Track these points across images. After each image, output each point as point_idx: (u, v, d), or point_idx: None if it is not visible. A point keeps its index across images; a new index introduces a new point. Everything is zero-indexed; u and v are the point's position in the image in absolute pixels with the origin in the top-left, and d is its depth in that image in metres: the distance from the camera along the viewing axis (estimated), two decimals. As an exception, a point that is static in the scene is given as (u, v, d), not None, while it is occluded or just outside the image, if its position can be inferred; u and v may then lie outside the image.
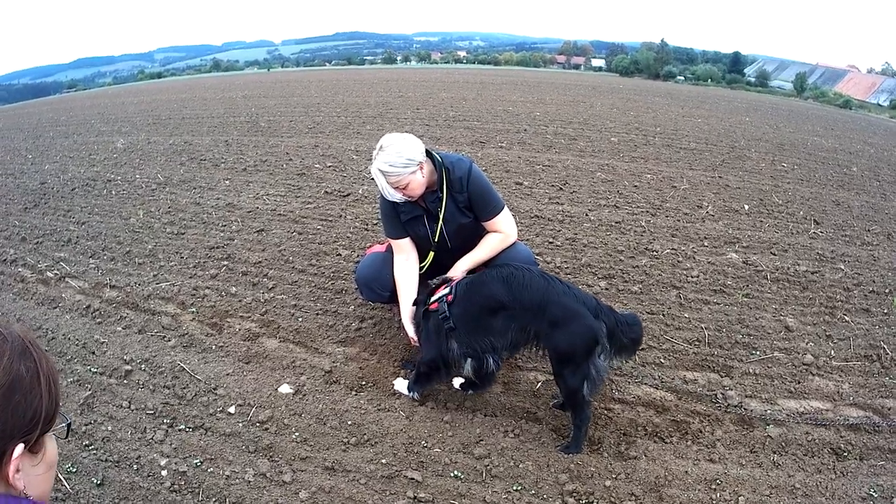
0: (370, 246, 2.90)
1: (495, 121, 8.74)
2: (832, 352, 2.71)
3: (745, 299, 3.17)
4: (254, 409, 2.26)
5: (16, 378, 0.71)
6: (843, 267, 3.68)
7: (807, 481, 1.94)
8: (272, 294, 3.18)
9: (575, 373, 1.90)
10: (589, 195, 4.96)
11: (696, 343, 2.74)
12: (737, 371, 2.53)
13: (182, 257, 3.70)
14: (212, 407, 2.28)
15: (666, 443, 2.11)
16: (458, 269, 2.34)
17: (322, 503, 1.84)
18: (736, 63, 57.11)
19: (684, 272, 3.47)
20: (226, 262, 3.60)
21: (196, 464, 1.98)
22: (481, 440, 2.09)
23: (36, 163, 6.87)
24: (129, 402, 2.30)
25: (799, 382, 2.47)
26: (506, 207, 2.38)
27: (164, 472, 1.95)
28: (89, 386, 2.42)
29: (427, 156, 2.22)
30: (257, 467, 1.96)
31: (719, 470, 1.98)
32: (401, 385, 2.35)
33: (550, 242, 3.89)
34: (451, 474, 1.94)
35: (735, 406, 2.30)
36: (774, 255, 3.83)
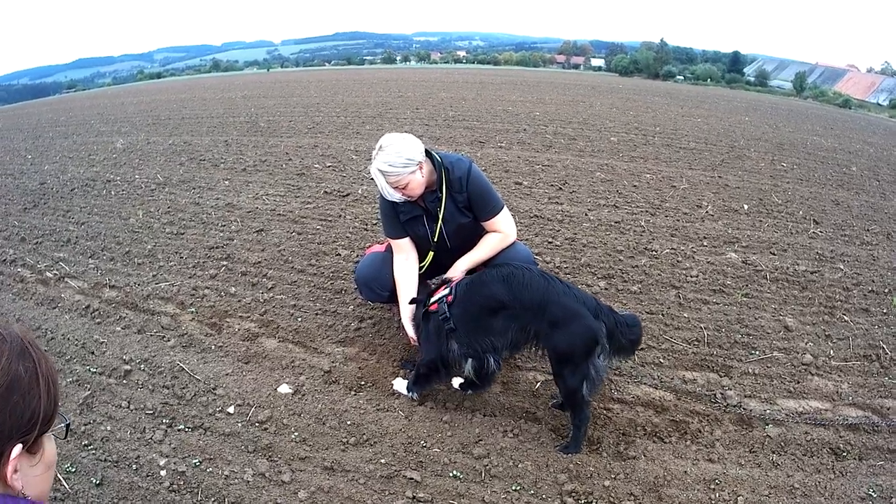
0: (370, 246, 2.91)
1: (495, 121, 8.74)
2: (831, 351, 2.71)
3: (745, 299, 3.17)
4: (253, 408, 2.26)
5: (14, 378, 0.71)
6: (842, 267, 3.68)
7: (806, 481, 1.94)
8: (271, 294, 3.18)
9: (574, 373, 1.90)
10: (588, 195, 4.97)
11: (696, 343, 2.74)
12: (736, 371, 2.53)
13: (181, 257, 3.70)
14: (211, 407, 2.28)
15: (665, 443, 2.11)
16: (458, 269, 2.34)
17: (321, 503, 1.84)
18: (735, 63, 57.12)
19: (683, 272, 3.47)
20: (225, 262, 3.60)
21: (195, 464, 1.98)
22: (480, 440, 2.09)
23: (35, 163, 6.87)
24: (129, 402, 2.30)
25: (798, 382, 2.47)
26: (505, 207, 2.38)
27: (163, 472, 1.95)
28: (88, 386, 2.42)
29: (426, 156, 2.22)
30: (256, 467, 1.96)
31: (718, 470, 1.98)
32: (400, 385, 2.35)
33: (550, 242, 3.89)
34: (450, 474, 1.94)
35: (734, 406, 2.30)
36: (774, 254, 3.83)
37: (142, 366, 2.56)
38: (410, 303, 2.29)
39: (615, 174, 5.71)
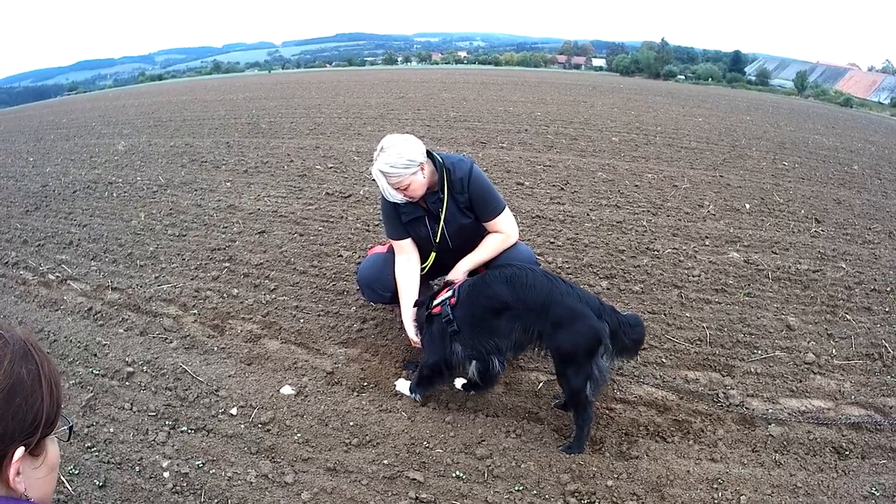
0: (372, 247, 2.91)
1: (496, 121, 8.74)
2: (834, 350, 2.70)
3: (747, 298, 3.17)
4: (256, 410, 2.26)
5: (17, 381, 0.71)
6: (844, 265, 3.67)
7: (808, 480, 1.93)
8: (274, 295, 3.18)
9: (578, 373, 1.90)
10: (590, 195, 4.96)
11: (698, 342, 2.74)
12: (738, 370, 2.53)
13: (184, 259, 3.71)
14: (214, 408, 2.28)
15: (668, 442, 2.11)
16: (460, 270, 2.34)
17: (324, 504, 1.84)
18: (736, 62, 57.08)
19: (686, 271, 3.47)
20: (227, 264, 3.61)
21: (198, 465, 1.99)
22: (483, 440, 2.09)
23: (37, 165, 6.89)
24: (131, 404, 2.31)
25: (800, 381, 2.47)
26: (507, 208, 2.38)
27: (166, 474, 1.95)
28: (91, 388, 2.42)
29: (428, 156, 2.22)
30: (259, 468, 1.97)
31: (721, 469, 1.98)
32: (402, 386, 2.35)
33: (552, 242, 3.89)
34: (453, 475, 1.94)
35: (737, 405, 2.30)
36: (776, 253, 3.82)
37: (144, 368, 2.56)
38: (413, 305, 2.29)
39: (617, 174, 5.71)
